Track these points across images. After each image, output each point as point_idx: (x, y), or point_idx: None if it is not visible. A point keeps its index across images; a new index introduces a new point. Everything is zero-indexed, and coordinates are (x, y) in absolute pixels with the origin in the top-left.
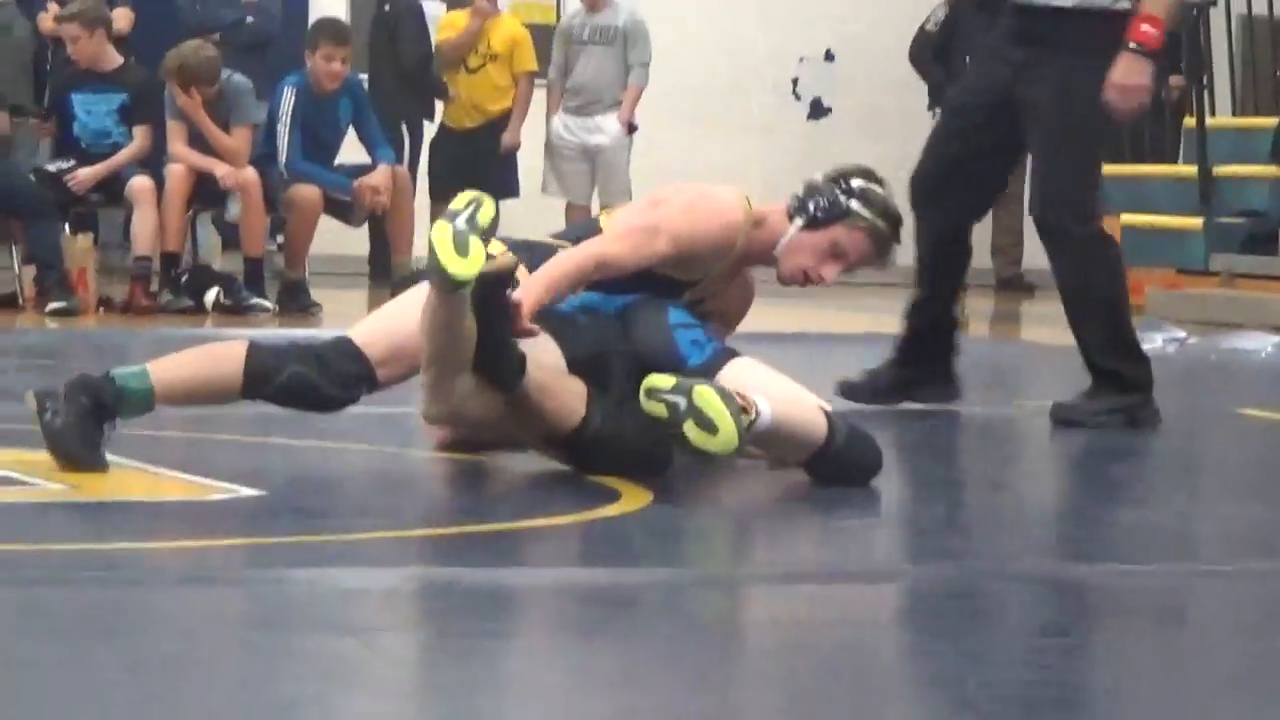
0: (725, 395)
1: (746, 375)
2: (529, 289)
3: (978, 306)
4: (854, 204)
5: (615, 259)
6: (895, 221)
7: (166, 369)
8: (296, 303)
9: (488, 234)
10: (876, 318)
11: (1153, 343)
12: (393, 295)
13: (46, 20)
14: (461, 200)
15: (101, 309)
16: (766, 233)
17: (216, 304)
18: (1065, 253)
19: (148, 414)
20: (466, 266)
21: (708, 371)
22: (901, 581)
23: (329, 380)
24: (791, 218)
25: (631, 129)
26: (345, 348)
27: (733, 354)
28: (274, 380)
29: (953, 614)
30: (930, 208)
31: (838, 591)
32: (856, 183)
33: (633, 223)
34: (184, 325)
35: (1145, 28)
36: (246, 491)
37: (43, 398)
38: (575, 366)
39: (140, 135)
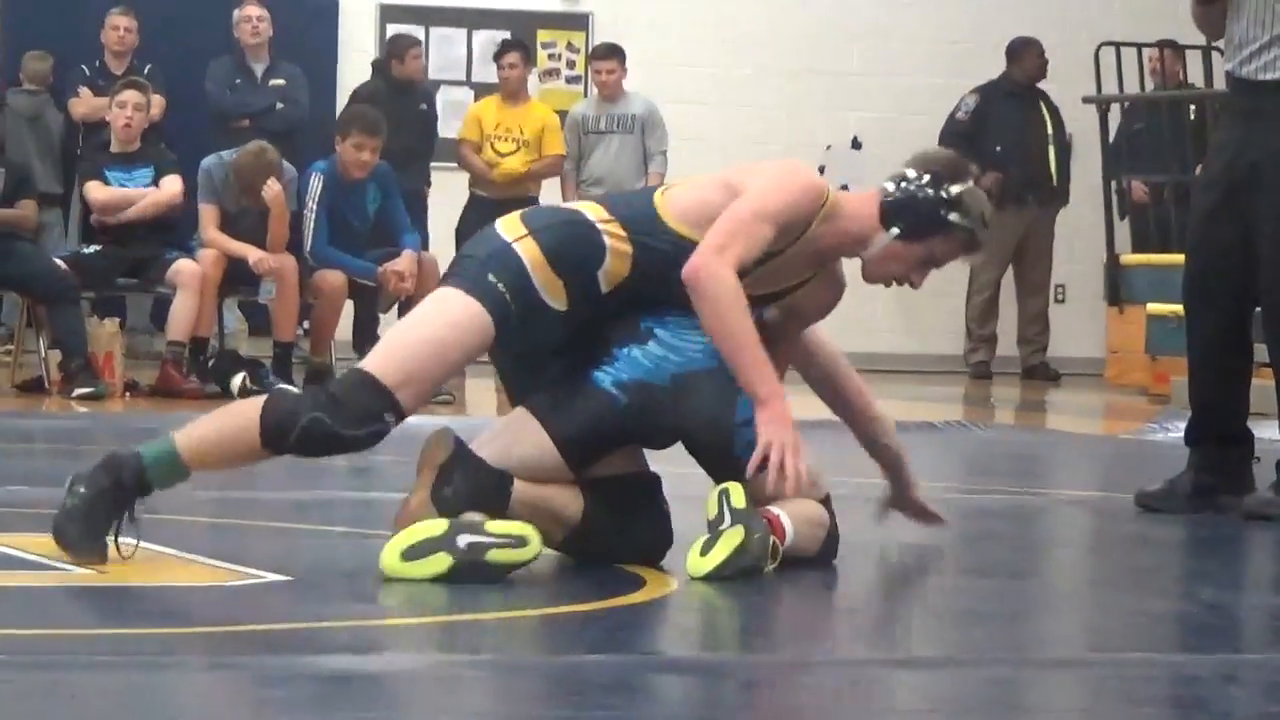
0: (757, 545)
1: (784, 505)
2: (769, 389)
3: (1003, 395)
4: (953, 216)
5: (743, 266)
6: (985, 221)
7: (188, 431)
8: None
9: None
10: (914, 405)
11: (1178, 431)
12: None
13: (79, 105)
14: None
15: (128, 393)
16: (852, 224)
17: (243, 389)
18: None
19: (183, 481)
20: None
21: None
22: (930, 669)
23: (343, 422)
24: (885, 223)
25: None
26: (359, 379)
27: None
28: (291, 433)
29: (979, 703)
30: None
31: (862, 678)
32: (955, 189)
33: (731, 227)
34: (210, 410)
35: None
36: (273, 577)
37: (73, 481)
38: (599, 448)
39: (167, 182)
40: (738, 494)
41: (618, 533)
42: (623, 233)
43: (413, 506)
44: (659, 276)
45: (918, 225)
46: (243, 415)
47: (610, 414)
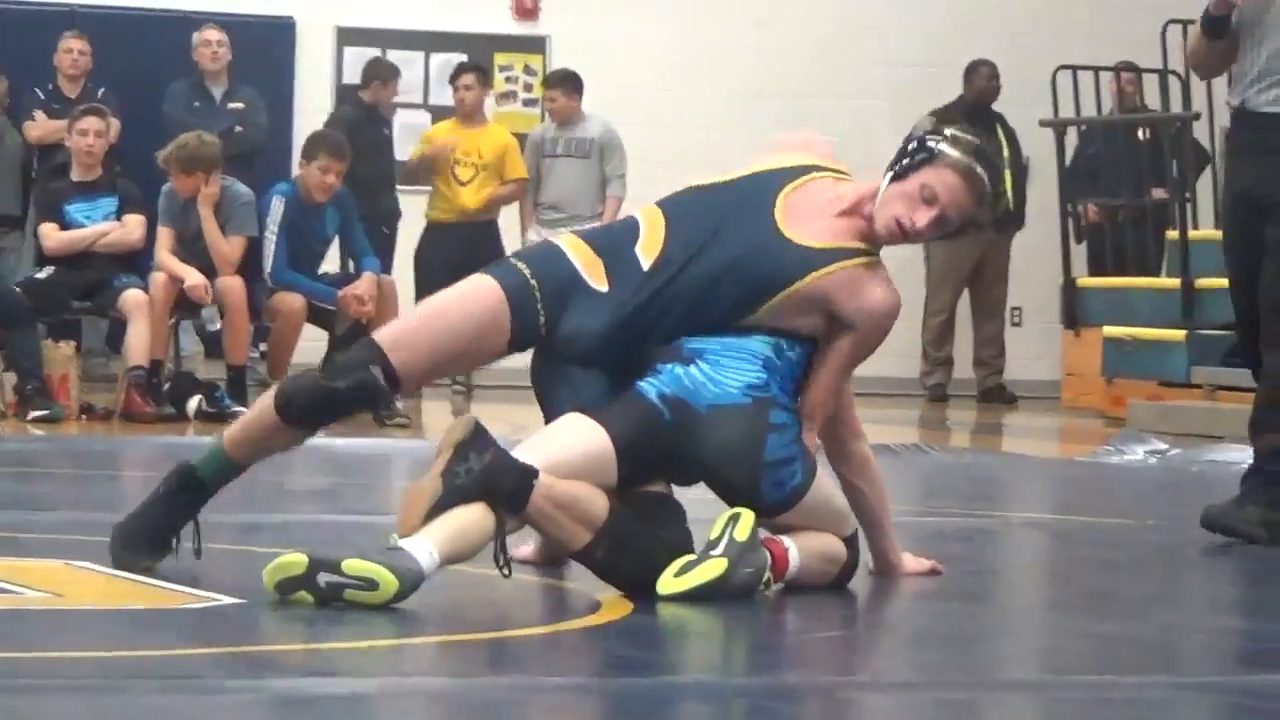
0: (739, 583)
1: (801, 537)
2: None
3: (959, 417)
4: (942, 145)
5: None
6: (991, 164)
7: (232, 425)
8: None
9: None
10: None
11: (1134, 454)
12: None
13: (34, 129)
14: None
15: (84, 416)
16: (863, 186)
17: (199, 412)
18: None
19: (236, 475)
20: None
21: (771, 514)
22: (885, 692)
23: (330, 375)
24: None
25: None
26: (359, 341)
27: (802, 496)
28: (296, 397)
29: None
30: None
31: (818, 701)
32: (948, 130)
33: None
34: (166, 433)
35: None
36: (227, 600)
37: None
38: (641, 463)
39: (131, 223)
40: (745, 524)
41: (641, 538)
42: (654, 206)
43: (422, 483)
44: (688, 221)
45: (907, 160)
46: (267, 397)
47: (655, 425)
